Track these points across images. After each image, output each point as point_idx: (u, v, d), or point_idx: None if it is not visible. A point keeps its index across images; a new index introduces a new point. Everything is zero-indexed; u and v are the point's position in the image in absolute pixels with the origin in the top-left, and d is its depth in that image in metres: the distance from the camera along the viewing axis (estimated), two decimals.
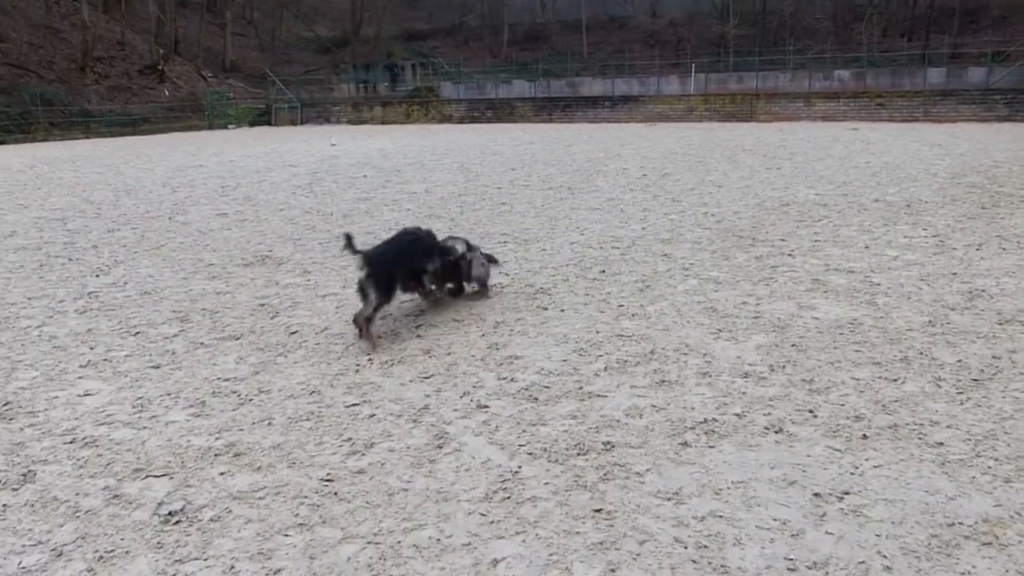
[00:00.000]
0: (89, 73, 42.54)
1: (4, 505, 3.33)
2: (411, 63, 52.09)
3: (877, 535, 2.95)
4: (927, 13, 47.22)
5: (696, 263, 7.43)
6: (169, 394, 4.54)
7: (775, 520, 3.08)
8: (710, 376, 4.60)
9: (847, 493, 3.26)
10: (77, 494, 3.41)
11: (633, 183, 13.56)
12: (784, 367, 4.69)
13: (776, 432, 3.84)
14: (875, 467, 3.47)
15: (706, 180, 13.68)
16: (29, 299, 6.78)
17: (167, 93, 45.20)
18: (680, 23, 56.78)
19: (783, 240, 8.34)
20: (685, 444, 3.75)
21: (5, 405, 4.40)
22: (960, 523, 3.01)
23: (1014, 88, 30.96)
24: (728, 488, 3.34)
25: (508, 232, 9.29)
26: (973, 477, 3.35)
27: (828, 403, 4.16)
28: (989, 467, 3.43)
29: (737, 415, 4.05)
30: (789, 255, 7.63)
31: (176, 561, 2.92)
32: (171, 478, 3.54)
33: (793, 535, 2.98)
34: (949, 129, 25.64)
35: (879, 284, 6.47)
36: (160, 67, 46.47)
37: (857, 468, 3.46)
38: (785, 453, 3.63)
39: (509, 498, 3.30)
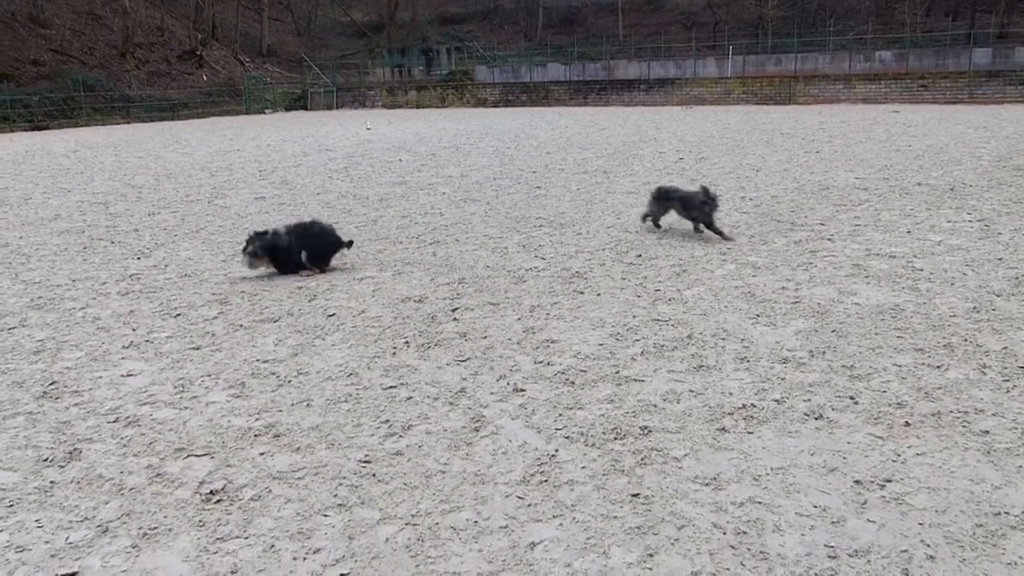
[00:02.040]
0: (129, 59, 43.13)
1: (52, 482, 3.40)
2: (446, 47, 52.07)
3: (920, 524, 2.90)
4: None
5: (734, 247, 7.34)
6: (209, 375, 4.60)
7: (815, 507, 3.04)
8: (748, 361, 4.54)
9: (889, 481, 3.20)
10: (121, 472, 3.47)
11: (669, 167, 13.43)
12: (824, 353, 4.62)
13: (816, 419, 3.79)
14: (918, 455, 3.40)
15: (743, 164, 13.51)
16: (73, 281, 6.90)
17: (205, 78, 45.66)
18: (718, 4, 55.99)
19: (823, 224, 8.21)
20: (723, 430, 3.71)
21: (51, 384, 4.49)
22: (1007, 512, 2.95)
23: None
24: (767, 474, 3.30)
25: (543, 216, 9.25)
26: (1020, 466, 3.27)
27: (869, 389, 4.09)
28: None
29: (776, 401, 4.00)
30: (829, 240, 7.51)
31: (217, 539, 2.95)
32: (212, 457, 3.58)
33: (834, 522, 2.94)
34: (995, 111, 25.03)
35: (922, 269, 6.34)
36: (199, 52, 46.96)
37: (899, 456, 3.40)
38: (825, 440, 3.58)
39: (546, 481, 3.30)
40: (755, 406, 3.95)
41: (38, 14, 41.70)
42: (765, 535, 2.88)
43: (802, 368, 4.42)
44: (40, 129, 31.85)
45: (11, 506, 3.21)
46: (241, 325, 5.53)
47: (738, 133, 19.63)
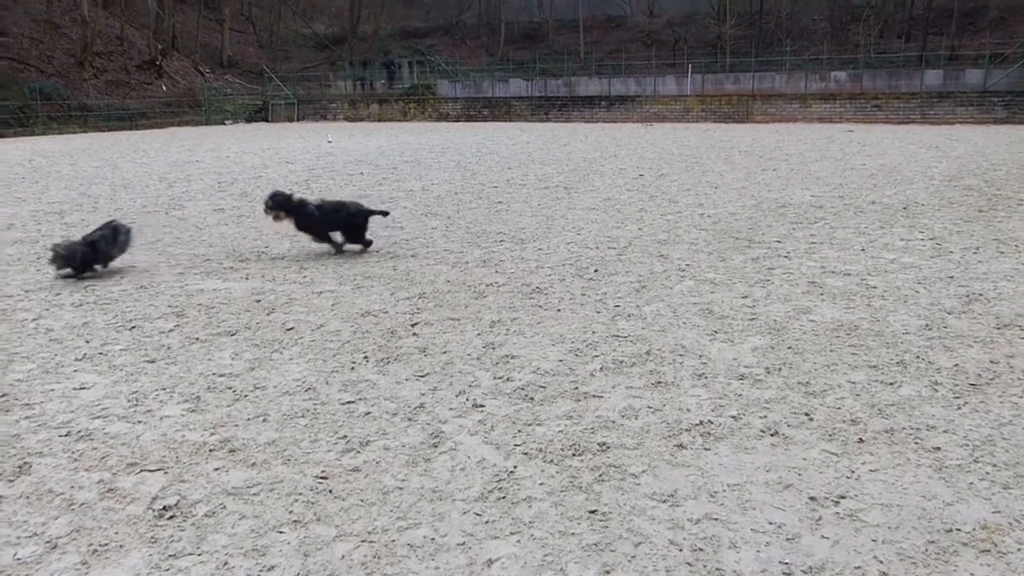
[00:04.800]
0: (88, 68, 42.38)
1: (0, 496, 3.30)
2: (408, 61, 52.03)
3: (873, 540, 2.94)
4: (925, 14, 47.27)
5: (692, 264, 7.41)
6: (164, 389, 4.51)
7: (771, 524, 3.06)
8: (706, 378, 4.58)
9: (843, 497, 3.24)
10: (72, 487, 3.38)
11: (630, 183, 13.55)
12: (780, 369, 4.67)
13: (772, 435, 3.83)
14: (871, 471, 3.45)
15: (703, 181, 13.68)
16: (26, 291, 6.74)
17: (164, 88, 45.05)
18: (677, 23, 56.73)
19: (779, 242, 8.34)
20: (681, 446, 3.73)
21: (2, 396, 4.37)
22: (958, 529, 3.00)
23: (1011, 90, 31.05)
24: (724, 491, 3.32)
25: (504, 231, 9.26)
26: (971, 483, 3.34)
27: (824, 406, 4.15)
28: (987, 473, 3.42)
29: (733, 417, 4.04)
30: (785, 257, 7.62)
31: (170, 556, 2.89)
32: (166, 473, 3.51)
33: (789, 539, 2.96)
34: (946, 131, 25.67)
35: (875, 287, 6.46)
36: (158, 62, 46.31)
37: (853, 472, 3.45)
38: (781, 456, 3.61)
39: (504, 498, 3.28)
40: (712, 423, 3.98)
41: None
42: (721, 552, 2.89)
43: (759, 385, 4.46)
44: None
45: None
46: (198, 338, 5.44)
47: (697, 150, 19.88)
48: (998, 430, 3.82)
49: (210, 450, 3.73)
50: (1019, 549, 2.86)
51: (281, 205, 7.85)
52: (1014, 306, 5.85)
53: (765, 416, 4.04)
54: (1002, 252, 7.61)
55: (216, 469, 3.54)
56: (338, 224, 8.07)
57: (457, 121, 39.86)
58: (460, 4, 64.37)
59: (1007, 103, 30.30)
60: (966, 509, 3.13)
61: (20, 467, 3.58)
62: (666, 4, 62.24)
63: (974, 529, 2.99)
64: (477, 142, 24.30)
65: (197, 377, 4.69)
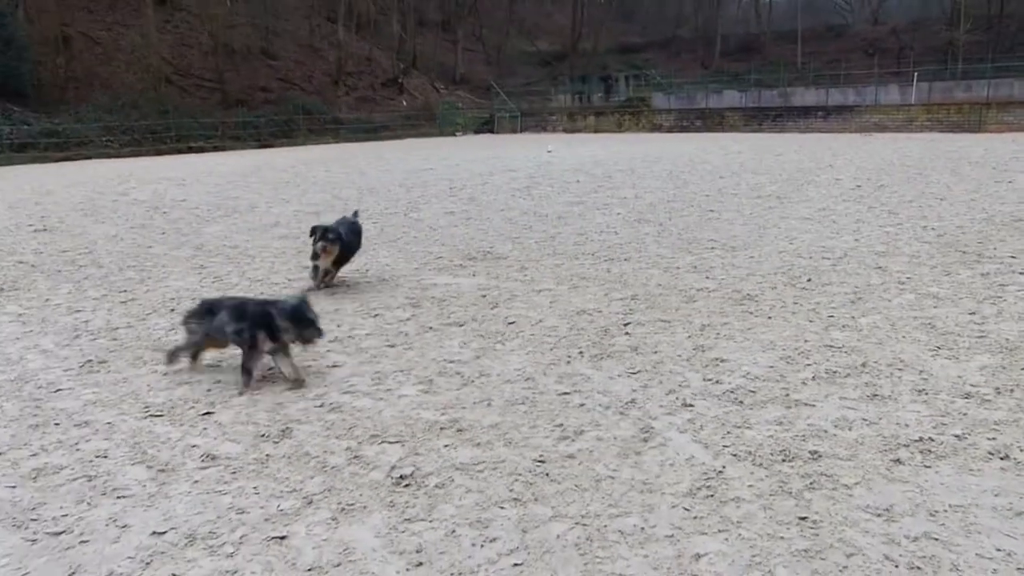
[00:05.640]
0: (341, 86, 46.15)
1: (267, 455, 3.69)
2: (624, 75, 52.04)
3: None
4: None
5: (914, 277, 6.85)
6: (402, 371, 4.83)
7: (999, 551, 2.78)
8: (927, 394, 4.23)
9: None
10: (325, 451, 3.72)
11: (846, 194, 12.73)
12: (1013, 391, 4.22)
13: (1002, 458, 3.47)
14: None
15: (926, 192, 12.58)
16: (289, 280, 7.47)
17: (404, 103, 48.11)
18: (904, 30, 52.59)
19: (1014, 257, 7.50)
20: (898, 461, 3.48)
21: (270, 369, 4.87)
22: None
23: None
24: (945, 511, 3.05)
25: (715, 238, 9.03)
26: None
27: None
28: None
29: (957, 436, 3.70)
30: (1021, 273, 6.85)
31: (405, 520, 3.10)
32: (403, 445, 3.76)
33: (1020, 568, 2.68)
34: None
35: None
36: (400, 80, 49.53)
37: None
38: (1012, 481, 3.27)
39: (712, 496, 3.22)
40: (933, 440, 3.67)
41: (268, 47, 45.51)
42: (941, 573, 2.67)
43: (987, 405, 4.06)
44: (265, 147, 34.68)
45: (234, 473, 3.52)
46: (431, 327, 5.77)
47: (921, 161, 18.30)
48: None
49: (441, 428, 3.96)
50: None
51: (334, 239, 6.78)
52: None
53: (994, 438, 3.67)
54: None
55: (446, 446, 3.75)
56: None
57: (670, 132, 39.32)
58: (677, 18, 63.48)
59: None
60: None
61: (283, 431, 3.97)
62: (892, 11, 57.92)
63: None
64: (689, 152, 23.84)
65: (430, 362, 4.98)
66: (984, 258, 7.52)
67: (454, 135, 43.34)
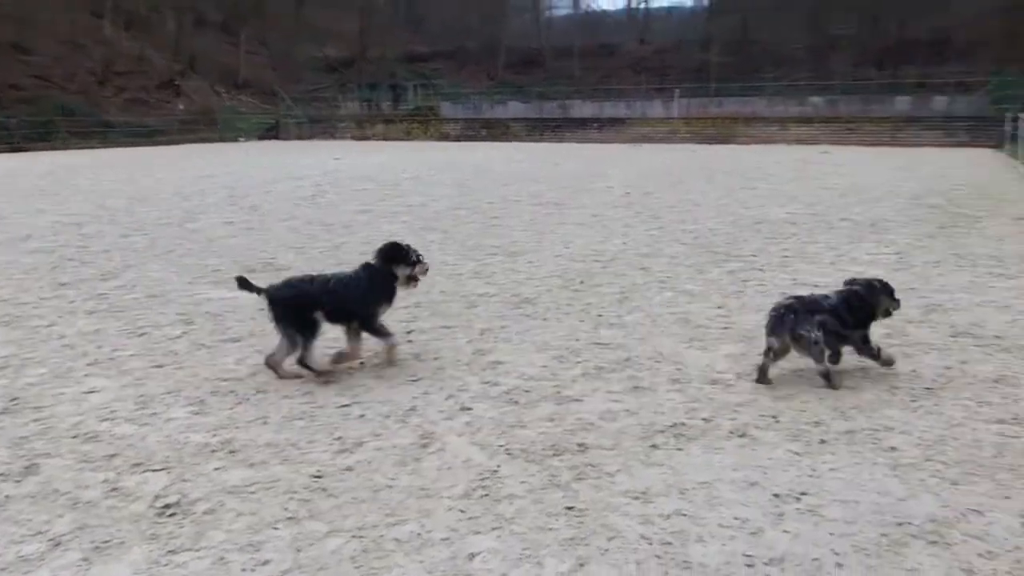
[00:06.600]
0: (109, 86, 42.47)
1: (6, 496, 3.30)
2: (413, 83, 52.21)
3: (831, 534, 2.95)
4: (896, 45, 47.53)
5: (673, 276, 7.44)
6: (170, 392, 4.51)
7: (736, 519, 3.08)
8: (681, 383, 4.60)
9: (804, 494, 3.26)
10: (78, 486, 3.39)
11: (617, 200, 13.59)
12: (751, 375, 4.69)
13: (740, 436, 3.84)
14: (831, 470, 3.47)
15: (685, 199, 13.72)
16: (41, 299, 6.75)
17: (182, 107, 45.15)
18: (666, 50, 57.00)
19: (754, 256, 8.37)
20: (655, 446, 3.75)
21: (13, 401, 4.37)
22: (909, 523, 3.01)
23: (974, 116, 31.30)
24: (694, 488, 3.33)
25: (498, 245, 9.28)
26: (922, 479, 3.36)
27: (791, 409, 4.17)
28: (938, 470, 3.44)
29: (704, 420, 4.05)
30: (760, 270, 7.65)
31: (169, 552, 2.89)
32: (169, 472, 3.52)
33: (752, 533, 2.97)
34: (914, 153, 25.78)
35: None
36: (176, 82, 46.44)
37: (815, 471, 3.46)
38: (748, 456, 3.63)
39: (487, 495, 3.29)
40: (685, 424, 3.99)
41: (20, 40, 40.91)
42: (689, 545, 2.90)
43: (730, 389, 4.48)
44: (18, 151, 31.18)
45: None
46: (204, 344, 5.45)
47: (682, 170, 19.95)
48: (949, 431, 3.85)
49: (212, 451, 3.74)
50: (965, 541, 2.88)
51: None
52: (968, 316, 5.88)
53: (735, 418, 4.06)
54: (960, 266, 7.65)
55: (216, 469, 3.55)
56: None
57: (457, 140, 39.93)
58: (463, 30, 64.63)
59: (969, 128, 30.53)
60: (917, 504, 3.15)
61: (27, 468, 3.57)
62: (656, 33, 62.62)
63: (924, 523, 3.01)
64: (475, 160, 24.36)
65: (202, 381, 4.70)
66: (731, 257, 8.32)
67: (236, 141, 41.32)
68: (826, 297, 4.61)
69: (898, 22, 48.80)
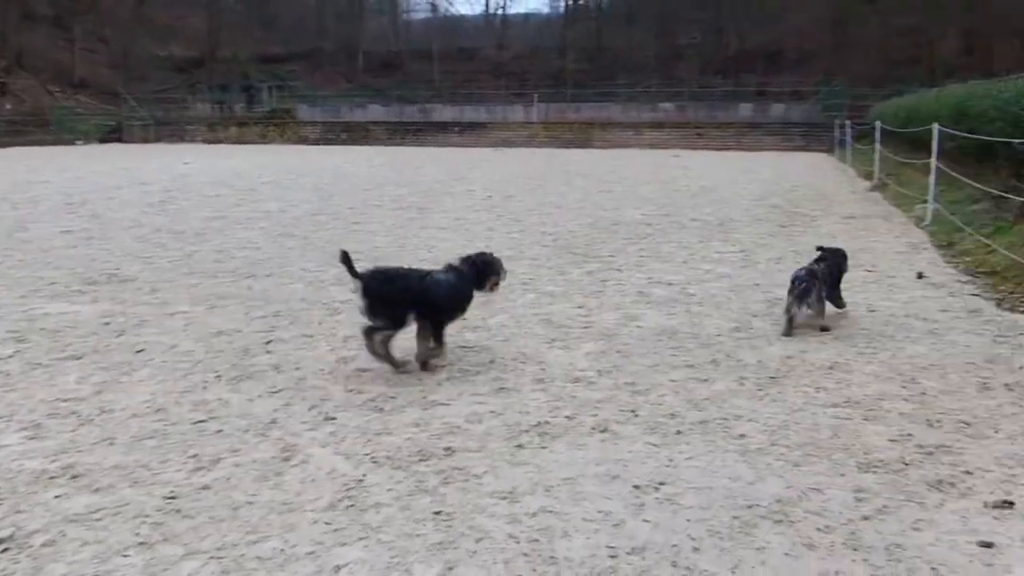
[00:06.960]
0: None
1: None
2: (268, 85, 50.50)
3: (688, 520, 3.10)
4: (737, 55, 50.56)
5: (535, 278, 7.58)
6: (1, 417, 4.15)
7: (599, 512, 3.17)
8: (544, 382, 4.69)
9: (663, 484, 3.40)
10: None
11: (479, 204, 13.70)
12: (611, 372, 4.85)
13: (602, 432, 3.97)
14: (687, 459, 3.64)
15: (545, 201, 14.02)
16: None
17: (9, 107, 41.63)
18: (524, 56, 58.00)
19: (612, 256, 8.66)
20: (520, 446, 3.81)
21: None
22: (758, 505, 3.21)
23: (807, 122, 33.78)
24: (558, 485, 3.41)
25: (360, 250, 9.10)
26: (768, 463, 3.58)
27: (648, 403, 4.34)
28: (782, 454, 3.68)
29: (568, 417, 4.16)
30: (618, 270, 7.92)
31: None
32: (0, 504, 3.23)
33: (615, 525, 3.07)
34: (756, 157, 27.52)
35: (694, 295, 6.83)
36: (1, 80, 42.78)
37: (672, 461, 3.63)
38: (610, 450, 3.75)
39: (353, 506, 3.24)
40: (549, 423, 4.08)
41: None
42: (555, 541, 2.97)
43: (591, 386, 4.62)
44: None
45: None
46: (40, 363, 5.05)
47: (542, 174, 20.36)
48: (791, 416, 4.13)
49: (51, 477, 3.47)
50: (806, 518, 3.10)
51: None
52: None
53: (596, 414, 4.18)
54: (798, 262, 8.14)
55: (56, 497, 3.30)
56: None
57: (316, 144, 38.95)
58: (319, 31, 63.18)
59: (804, 133, 32.93)
60: (764, 487, 3.36)
61: None
62: (514, 38, 63.60)
63: (770, 503, 3.21)
64: (335, 164, 23.88)
65: (38, 403, 4.34)
66: (590, 258, 8.57)
67: (74, 144, 38.52)
68: (817, 266, 5.81)
69: (738, 33, 51.87)
